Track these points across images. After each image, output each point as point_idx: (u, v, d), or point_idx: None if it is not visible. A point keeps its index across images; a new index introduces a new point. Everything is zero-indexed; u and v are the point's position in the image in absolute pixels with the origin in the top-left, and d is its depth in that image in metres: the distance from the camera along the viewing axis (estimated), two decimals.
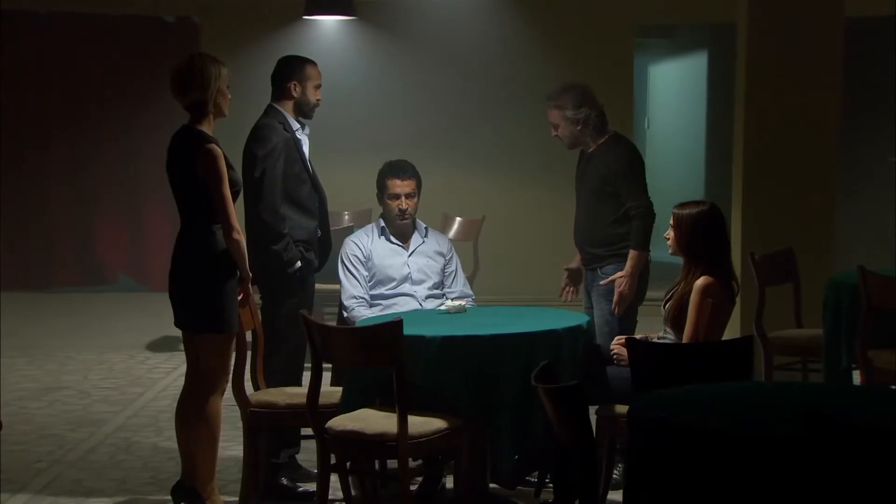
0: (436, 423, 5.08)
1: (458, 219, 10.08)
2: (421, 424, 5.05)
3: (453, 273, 6.55)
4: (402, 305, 6.29)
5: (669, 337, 5.43)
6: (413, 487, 5.91)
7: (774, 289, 7.40)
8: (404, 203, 6.46)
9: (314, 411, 5.10)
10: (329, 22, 10.97)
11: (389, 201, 6.47)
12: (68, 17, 11.63)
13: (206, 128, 5.38)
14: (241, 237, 5.29)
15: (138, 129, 11.65)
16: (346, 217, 10.12)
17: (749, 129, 8.18)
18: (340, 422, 5.12)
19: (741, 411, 3.58)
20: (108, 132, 11.59)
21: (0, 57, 11.68)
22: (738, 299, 8.10)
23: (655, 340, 5.45)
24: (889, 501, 3.14)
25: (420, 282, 6.43)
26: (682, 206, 5.49)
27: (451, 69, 11.36)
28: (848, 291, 6.65)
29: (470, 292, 6.57)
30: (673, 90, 15.71)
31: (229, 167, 5.37)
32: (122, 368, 8.93)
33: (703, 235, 5.37)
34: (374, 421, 5.08)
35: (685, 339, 5.27)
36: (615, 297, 6.19)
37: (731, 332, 8.36)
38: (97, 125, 11.74)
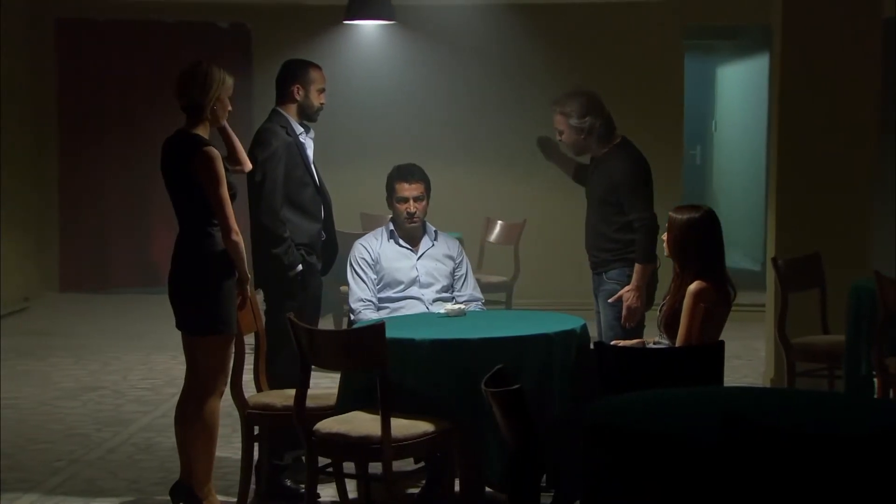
0: (423, 426, 5.09)
1: (500, 222, 10.08)
2: (407, 427, 5.06)
3: (463, 276, 6.56)
4: (410, 308, 6.32)
5: (664, 342, 5.38)
6: (416, 490, 5.98)
7: (809, 293, 7.31)
8: (412, 206, 6.48)
9: (301, 414, 5.14)
10: (369, 26, 11.05)
11: (397, 205, 6.50)
12: (126, 24, 11.83)
13: (202, 132, 5.46)
14: (239, 238, 5.35)
15: None
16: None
17: (783, 133, 8.09)
18: (328, 424, 5.15)
19: (680, 416, 3.55)
20: (163, 136, 11.73)
21: (60, 63, 11.91)
22: (772, 304, 8.12)
23: (651, 346, 5.42)
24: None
25: (428, 285, 6.45)
26: (678, 209, 5.44)
27: (492, 73, 11.37)
28: (868, 297, 6.55)
29: (479, 296, 6.57)
30: (740, 92, 15.55)
31: (226, 170, 5.43)
32: (162, 369, 9.06)
33: (694, 240, 5.32)
34: (359, 423, 5.11)
35: (678, 344, 5.22)
36: (623, 312, 6.14)
37: (767, 337, 8.31)
38: (153, 129, 11.85)
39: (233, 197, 5.47)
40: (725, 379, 8.56)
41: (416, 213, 6.51)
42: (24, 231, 11.65)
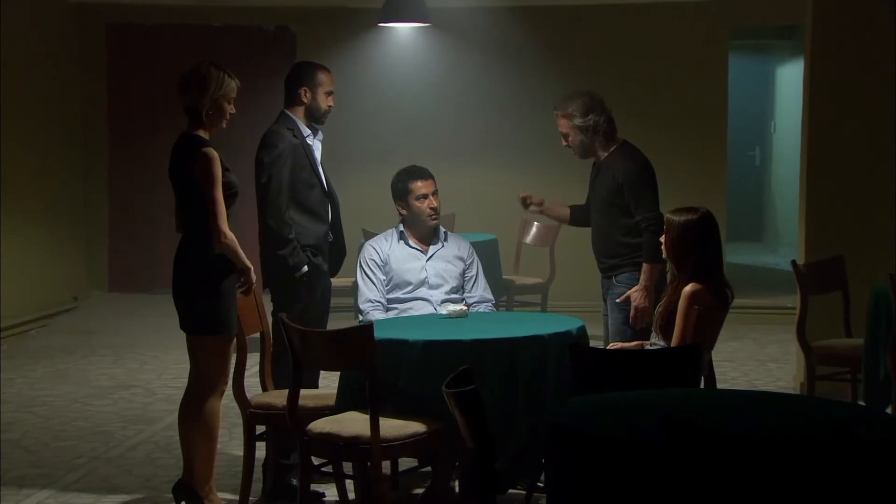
0: (413, 427, 5.11)
1: (536, 224, 10.07)
2: (398, 427, 5.09)
3: (473, 278, 6.57)
4: (418, 310, 6.35)
5: (660, 344, 5.35)
6: (420, 490, 6.01)
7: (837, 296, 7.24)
8: (433, 201, 6.51)
9: (294, 413, 5.19)
10: (404, 29, 11.09)
11: (418, 203, 6.51)
12: (174, 28, 12.00)
13: (203, 134, 5.52)
14: (227, 241, 5.36)
15: (240, 133, 11.92)
16: None
17: (812, 135, 8.01)
18: (320, 424, 5.19)
19: (631, 418, 3.54)
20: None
21: (110, 67, 12.10)
22: (801, 307, 8.01)
23: (648, 347, 5.39)
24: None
25: (437, 286, 6.46)
26: (675, 211, 5.42)
27: (528, 75, 11.31)
28: (886, 301, 6.45)
29: (490, 297, 6.58)
30: (799, 92, 15.34)
31: (226, 170, 5.49)
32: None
33: (690, 242, 5.29)
34: (351, 423, 5.14)
35: (673, 346, 5.19)
36: (632, 312, 6.13)
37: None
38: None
39: (234, 196, 5.53)
40: (759, 382, 8.69)
41: (437, 207, 6.54)
42: (75, 231, 11.84)
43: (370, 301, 6.41)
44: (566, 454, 3.44)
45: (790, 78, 15.83)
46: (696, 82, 11.31)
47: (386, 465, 5.83)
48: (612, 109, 6.40)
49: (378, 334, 5.26)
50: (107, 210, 12.18)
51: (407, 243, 6.55)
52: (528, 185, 11.43)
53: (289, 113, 6.16)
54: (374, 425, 4.96)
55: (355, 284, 8.81)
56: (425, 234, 6.58)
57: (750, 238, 16.74)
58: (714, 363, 9.24)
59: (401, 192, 6.57)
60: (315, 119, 6.17)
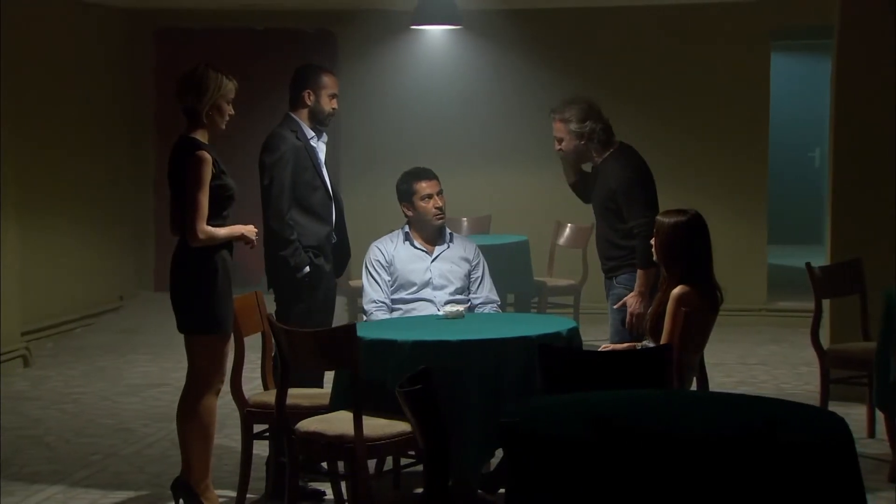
0: (400, 426, 5.14)
1: (570, 225, 10.06)
2: (383, 427, 5.13)
3: (479, 279, 6.59)
4: (421, 310, 6.39)
5: (650, 345, 5.34)
6: (419, 490, 6.04)
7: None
8: (438, 201, 6.55)
9: (281, 411, 5.24)
10: (436, 31, 11.12)
11: (423, 203, 6.54)
12: (219, 31, 12.14)
13: (201, 136, 5.60)
14: (199, 243, 5.42)
15: None
16: (465, 223, 10.21)
17: (840, 137, 7.93)
18: (307, 423, 5.25)
19: (574, 417, 3.54)
20: (252, 138, 12.01)
21: (158, 69, 12.27)
22: (827, 311, 7.93)
23: (639, 349, 5.38)
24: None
25: (441, 287, 6.49)
26: (665, 213, 5.41)
27: (559, 77, 11.24)
28: (895, 303, 6.36)
29: (495, 298, 6.59)
30: None
31: (222, 173, 5.56)
32: (228, 367, 9.24)
33: (680, 244, 5.28)
34: (337, 423, 5.19)
35: None
36: (628, 318, 6.13)
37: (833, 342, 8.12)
38: (243, 131, 12.14)
39: (230, 199, 5.60)
40: (786, 385, 8.61)
41: (442, 206, 6.58)
42: (122, 232, 12.02)
43: (374, 301, 6.46)
44: (513, 453, 3.47)
45: None
46: (736, 85, 11.20)
47: (388, 464, 5.90)
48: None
49: (369, 335, 5.33)
50: (153, 211, 12.34)
51: (412, 244, 6.59)
52: (562, 185, 11.44)
53: (293, 115, 6.23)
54: (358, 424, 5.00)
55: None
56: (431, 235, 6.61)
57: (810, 241, 16.55)
58: (748, 366, 9.29)
59: (405, 194, 6.61)
60: (319, 121, 6.22)
